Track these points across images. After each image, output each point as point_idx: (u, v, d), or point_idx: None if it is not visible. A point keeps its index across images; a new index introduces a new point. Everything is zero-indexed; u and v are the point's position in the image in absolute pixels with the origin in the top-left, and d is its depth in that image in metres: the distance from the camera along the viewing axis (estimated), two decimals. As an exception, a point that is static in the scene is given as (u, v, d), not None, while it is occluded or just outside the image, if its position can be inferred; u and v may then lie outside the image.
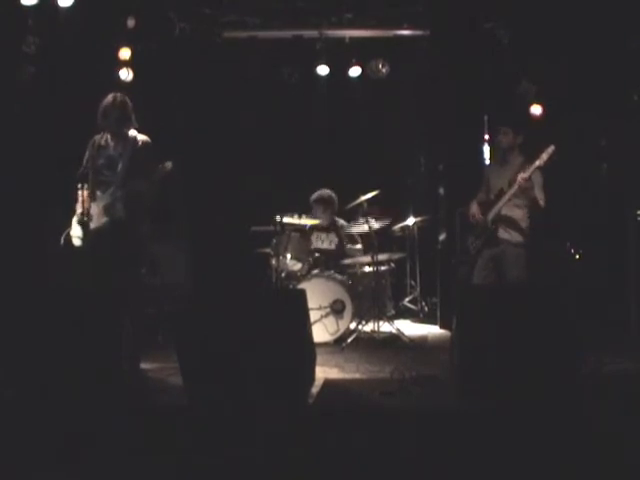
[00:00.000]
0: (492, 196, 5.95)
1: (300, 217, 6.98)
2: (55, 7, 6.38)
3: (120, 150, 5.28)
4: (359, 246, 7.59)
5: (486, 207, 5.95)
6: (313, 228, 7.47)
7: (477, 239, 5.97)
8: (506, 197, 5.79)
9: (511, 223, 5.85)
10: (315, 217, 7.37)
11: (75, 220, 5.23)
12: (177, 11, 7.30)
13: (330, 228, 7.50)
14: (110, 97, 5.24)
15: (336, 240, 7.47)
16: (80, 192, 5.17)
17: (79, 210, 5.14)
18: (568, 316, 4.53)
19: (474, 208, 6.01)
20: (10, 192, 6.47)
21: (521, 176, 5.61)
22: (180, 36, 7.39)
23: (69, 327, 4.57)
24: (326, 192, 7.49)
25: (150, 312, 6.12)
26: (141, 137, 5.33)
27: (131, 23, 7.04)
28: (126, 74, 7.19)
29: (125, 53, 7.20)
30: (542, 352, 4.38)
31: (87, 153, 5.29)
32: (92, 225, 5.15)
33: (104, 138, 5.32)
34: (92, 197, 5.17)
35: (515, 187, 5.68)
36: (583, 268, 6.90)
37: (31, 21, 6.50)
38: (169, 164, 5.20)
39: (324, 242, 7.45)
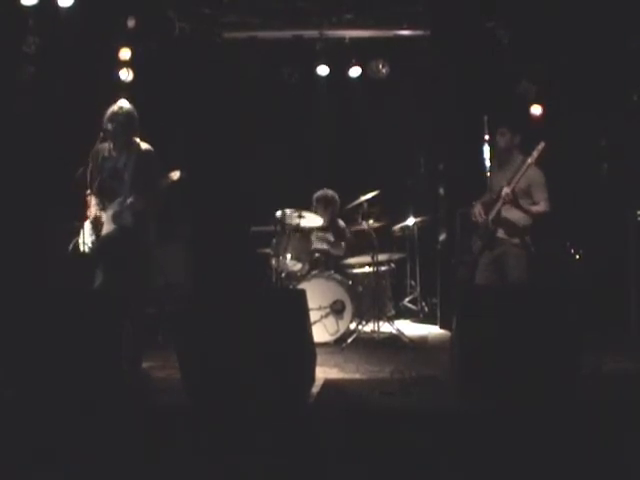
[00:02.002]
0: (493, 196, 5.96)
1: (300, 215, 6.95)
2: (55, 7, 6.39)
3: (125, 160, 5.29)
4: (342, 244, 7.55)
5: (488, 208, 5.95)
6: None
7: (479, 240, 5.98)
8: (502, 202, 5.81)
9: (511, 224, 5.85)
10: (315, 215, 7.38)
11: (87, 227, 5.26)
12: (177, 11, 7.31)
13: (328, 228, 7.50)
14: (118, 104, 5.28)
15: (332, 239, 7.46)
16: (89, 199, 5.25)
17: (91, 217, 5.21)
18: (568, 316, 4.53)
19: (477, 208, 6.01)
20: (10, 192, 6.47)
21: (504, 191, 5.66)
22: (180, 36, 7.40)
23: (69, 327, 4.57)
24: (329, 192, 7.49)
25: (150, 312, 6.12)
26: (144, 145, 5.35)
27: (131, 23, 7.05)
28: (126, 74, 7.20)
29: (125, 53, 7.21)
30: (542, 352, 4.37)
31: (90, 162, 5.30)
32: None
33: (107, 149, 5.33)
34: (99, 206, 5.23)
35: (500, 202, 5.72)
36: (583, 268, 6.90)
37: (31, 21, 6.51)
38: (176, 174, 5.19)
39: (322, 241, 7.44)
